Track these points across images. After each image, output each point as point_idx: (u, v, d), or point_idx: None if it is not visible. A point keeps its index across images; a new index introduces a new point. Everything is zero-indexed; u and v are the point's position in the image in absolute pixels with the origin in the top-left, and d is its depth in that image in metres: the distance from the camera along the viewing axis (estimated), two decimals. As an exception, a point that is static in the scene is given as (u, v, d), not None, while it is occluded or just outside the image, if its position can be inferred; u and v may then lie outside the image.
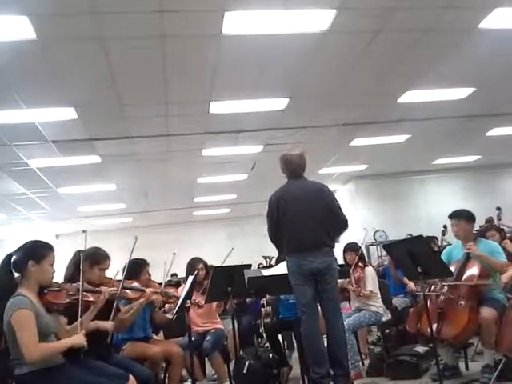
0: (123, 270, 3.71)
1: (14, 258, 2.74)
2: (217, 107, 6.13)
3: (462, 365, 4.20)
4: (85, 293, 2.94)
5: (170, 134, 6.99)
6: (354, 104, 6.66)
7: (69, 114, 5.76)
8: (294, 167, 3.92)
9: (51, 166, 7.79)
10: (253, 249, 11.52)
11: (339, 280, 4.73)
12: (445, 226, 5.71)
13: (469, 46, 5.20)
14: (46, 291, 2.76)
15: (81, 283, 2.89)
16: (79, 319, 2.79)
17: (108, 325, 3.14)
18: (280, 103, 6.28)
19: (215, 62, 4.93)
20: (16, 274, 2.74)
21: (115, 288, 3.34)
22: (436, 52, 5.29)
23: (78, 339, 2.67)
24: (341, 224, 3.88)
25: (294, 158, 3.94)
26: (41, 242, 2.86)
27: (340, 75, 5.63)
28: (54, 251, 2.84)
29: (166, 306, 4.54)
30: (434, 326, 3.66)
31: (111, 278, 3.53)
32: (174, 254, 4.27)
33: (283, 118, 6.75)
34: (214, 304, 4.66)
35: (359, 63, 5.33)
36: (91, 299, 3.01)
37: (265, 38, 4.50)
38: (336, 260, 3.92)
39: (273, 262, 7.61)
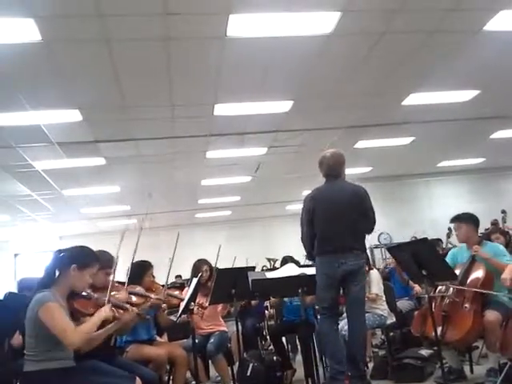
0: (127, 272, 3.71)
1: (62, 255, 2.75)
2: (221, 109, 6.14)
3: (466, 368, 4.18)
4: (113, 308, 2.87)
5: (175, 136, 7.00)
6: (358, 106, 6.66)
7: (74, 116, 5.79)
8: (325, 169, 3.95)
9: (56, 168, 7.81)
10: (256, 251, 11.52)
11: None
12: (449, 229, 5.67)
13: (473, 49, 5.19)
14: (75, 297, 2.75)
15: (108, 295, 2.86)
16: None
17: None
18: (284, 105, 6.28)
19: (219, 65, 4.94)
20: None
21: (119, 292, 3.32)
22: (440, 54, 5.29)
23: (107, 310, 2.68)
24: (368, 229, 3.95)
25: (326, 159, 3.95)
26: (90, 250, 2.87)
27: (344, 77, 5.63)
28: (99, 263, 2.86)
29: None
30: (439, 329, 3.64)
31: (116, 282, 3.52)
32: (170, 258, 4.19)
33: (287, 120, 6.76)
34: (220, 306, 4.66)
35: (363, 65, 5.33)
36: (117, 315, 2.92)
37: (269, 40, 4.51)
38: (365, 264, 3.96)
39: (277, 265, 7.61)
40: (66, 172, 8.07)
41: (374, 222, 3.94)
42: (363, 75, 5.62)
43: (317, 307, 3.94)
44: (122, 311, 2.96)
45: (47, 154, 7.09)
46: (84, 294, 2.81)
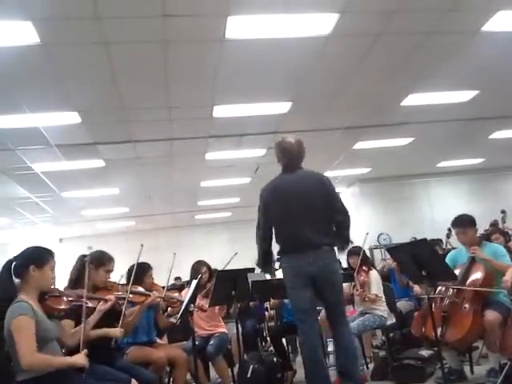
0: (128, 274, 3.72)
1: (15, 263, 2.74)
2: (220, 111, 6.14)
3: (466, 368, 4.19)
4: (87, 300, 2.94)
5: (174, 138, 7.00)
6: (357, 107, 6.66)
7: (72, 118, 5.78)
8: (293, 157, 3.52)
9: (55, 170, 7.81)
10: (255, 252, 11.51)
11: (344, 284, 4.59)
12: (449, 229, 5.68)
13: (472, 49, 5.19)
14: (46, 297, 2.77)
15: (85, 289, 2.89)
16: (82, 325, 2.78)
17: (117, 332, 3.13)
18: (283, 107, 6.28)
19: (218, 66, 4.94)
20: (16, 280, 2.74)
21: (120, 292, 3.34)
22: (439, 55, 5.29)
23: (80, 359, 2.64)
24: (343, 218, 3.49)
25: (294, 146, 3.53)
26: (42, 247, 2.88)
27: (343, 78, 5.64)
28: (55, 257, 2.85)
29: (169, 309, 4.54)
30: (439, 330, 3.65)
31: (115, 282, 3.54)
32: (175, 254, 4.24)
33: (286, 121, 6.75)
34: (217, 307, 4.66)
35: (362, 66, 5.33)
36: (91, 305, 3.01)
37: (268, 42, 4.51)
38: (339, 262, 3.70)
39: (276, 266, 7.61)
40: (64, 174, 8.06)
41: (348, 215, 3.51)
42: (362, 76, 5.62)
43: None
44: (95, 302, 3.04)
45: (46, 157, 7.08)
46: (54, 292, 2.85)
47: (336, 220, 3.49)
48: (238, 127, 6.85)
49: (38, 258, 2.74)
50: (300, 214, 3.36)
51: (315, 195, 3.41)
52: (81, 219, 12.23)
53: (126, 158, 7.71)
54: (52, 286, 2.91)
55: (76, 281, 3.20)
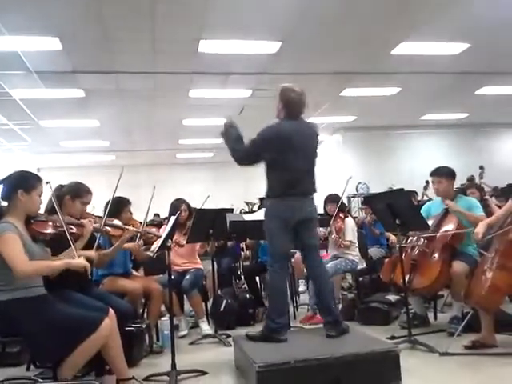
0: (105, 207, 3.70)
1: (2, 186, 2.73)
2: (206, 46, 5.95)
3: (430, 315, 4.38)
4: (70, 225, 2.96)
5: (157, 72, 6.82)
6: (347, 53, 6.55)
7: (53, 44, 5.56)
8: (298, 106, 3.51)
9: (34, 98, 7.59)
10: (235, 194, 11.57)
11: (321, 229, 4.86)
12: (427, 182, 5.79)
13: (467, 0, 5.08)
14: (32, 221, 2.79)
15: (60, 217, 2.88)
16: (72, 246, 2.80)
17: (91, 253, 3.14)
18: (272, 46, 6.13)
19: (207, -2, 4.75)
20: (3, 204, 2.74)
21: (97, 224, 3.34)
22: (434, 3, 5.17)
23: (80, 261, 2.70)
24: None
25: (300, 95, 3.51)
26: (29, 172, 2.88)
27: (335, 21, 5.49)
28: (43, 182, 2.85)
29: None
30: (407, 277, 3.78)
31: (92, 214, 3.54)
32: (155, 187, 4.14)
33: (274, 62, 6.62)
34: (198, 244, 4.72)
35: (355, 9, 5.20)
36: (76, 231, 3.05)
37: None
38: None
39: (255, 208, 7.70)
40: (43, 102, 7.85)
41: None
42: (354, 19, 5.49)
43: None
44: (79, 228, 3.09)
45: (25, 83, 6.86)
46: (41, 217, 2.87)
47: None
48: (224, 65, 6.69)
49: (26, 182, 2.74)
50: (300, 161, 3.44)
51: (311, 146, 3.55)
52: (60, 150, 12.05)
53: (106, 89, 7.51)
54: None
55: (52, 210, 3.18)
